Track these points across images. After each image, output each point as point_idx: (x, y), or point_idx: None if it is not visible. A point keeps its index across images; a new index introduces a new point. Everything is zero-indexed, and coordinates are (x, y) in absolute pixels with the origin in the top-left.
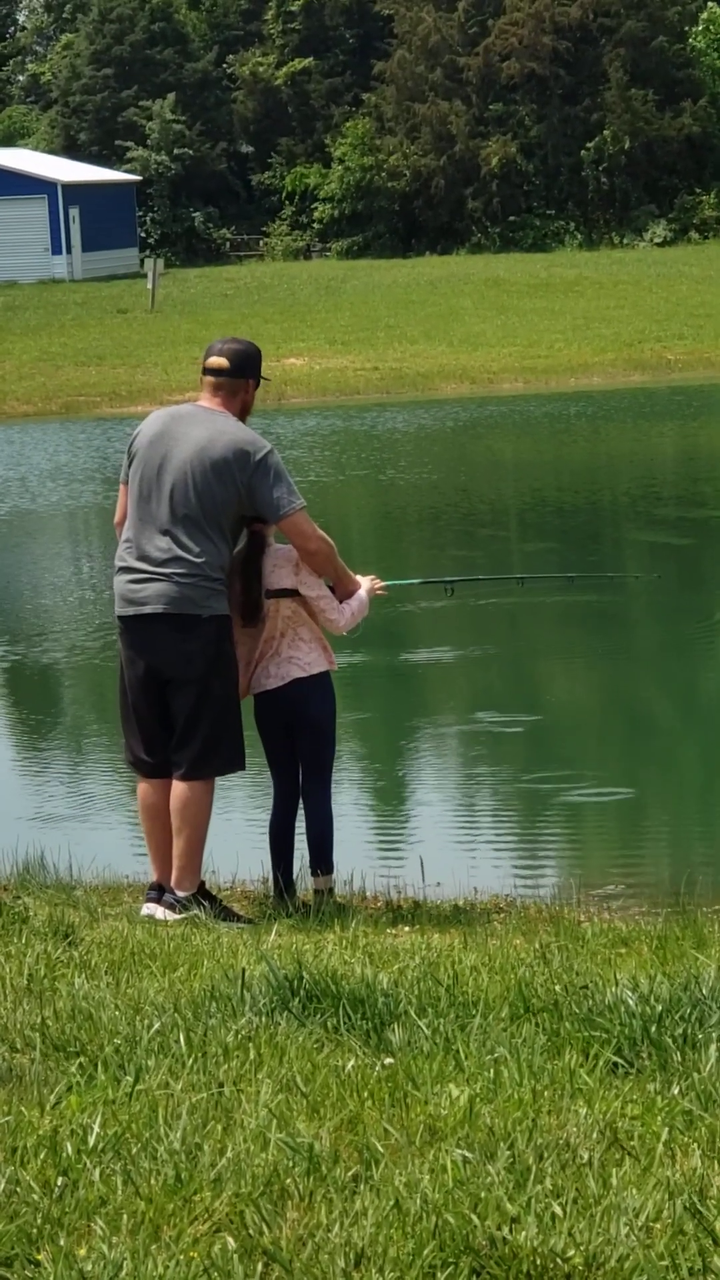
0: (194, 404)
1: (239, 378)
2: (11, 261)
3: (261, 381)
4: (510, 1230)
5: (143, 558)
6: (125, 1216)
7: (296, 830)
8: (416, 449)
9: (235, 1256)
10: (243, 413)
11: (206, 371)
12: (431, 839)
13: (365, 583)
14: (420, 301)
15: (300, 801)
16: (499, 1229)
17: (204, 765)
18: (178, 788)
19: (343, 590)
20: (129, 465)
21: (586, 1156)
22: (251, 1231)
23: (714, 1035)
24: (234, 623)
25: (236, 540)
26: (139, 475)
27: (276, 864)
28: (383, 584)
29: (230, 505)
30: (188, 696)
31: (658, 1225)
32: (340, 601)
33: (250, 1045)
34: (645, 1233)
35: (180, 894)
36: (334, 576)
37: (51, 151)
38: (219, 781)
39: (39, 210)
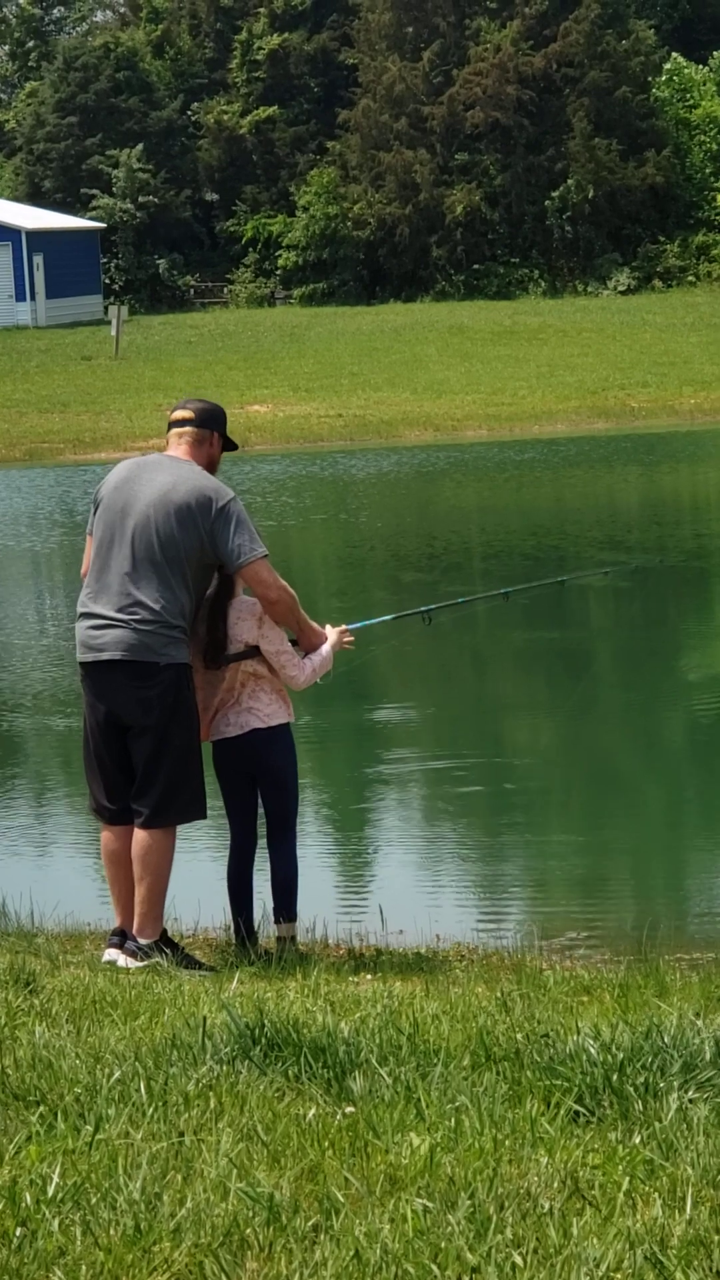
0: (161, 453)
1: (203, 428)
2: None
3: (231, 447)
4: None
5: (103, 604)
6: (84, 1267)
7: (255, 878)
8: (378, 495)
9: None
10: (209, 466)
11: (171, 425)
12: (394, 887)
13: (332, 635)
14: (384, 349)
15: (255, 850)
16: (459, 1279)
17: (164, 813)
18: (139, 835)
19: (306, 643)
20: (95, 514)
21: (547, 1206)
22: None
23: (675, 1084)
24: (195, 667)
25: (202, 590)
26: (103, 521)
27: (237, 912)
28: (350, 637)
29: (192, 552)
30: (146, 744)
31: (618, 1275)
32: (304, 653)
33: (211, 1094)
34: None
35: (142, 941)
36: (295, 628)
37: (16, 199)
38: (181, 829)
39: (3, 257)
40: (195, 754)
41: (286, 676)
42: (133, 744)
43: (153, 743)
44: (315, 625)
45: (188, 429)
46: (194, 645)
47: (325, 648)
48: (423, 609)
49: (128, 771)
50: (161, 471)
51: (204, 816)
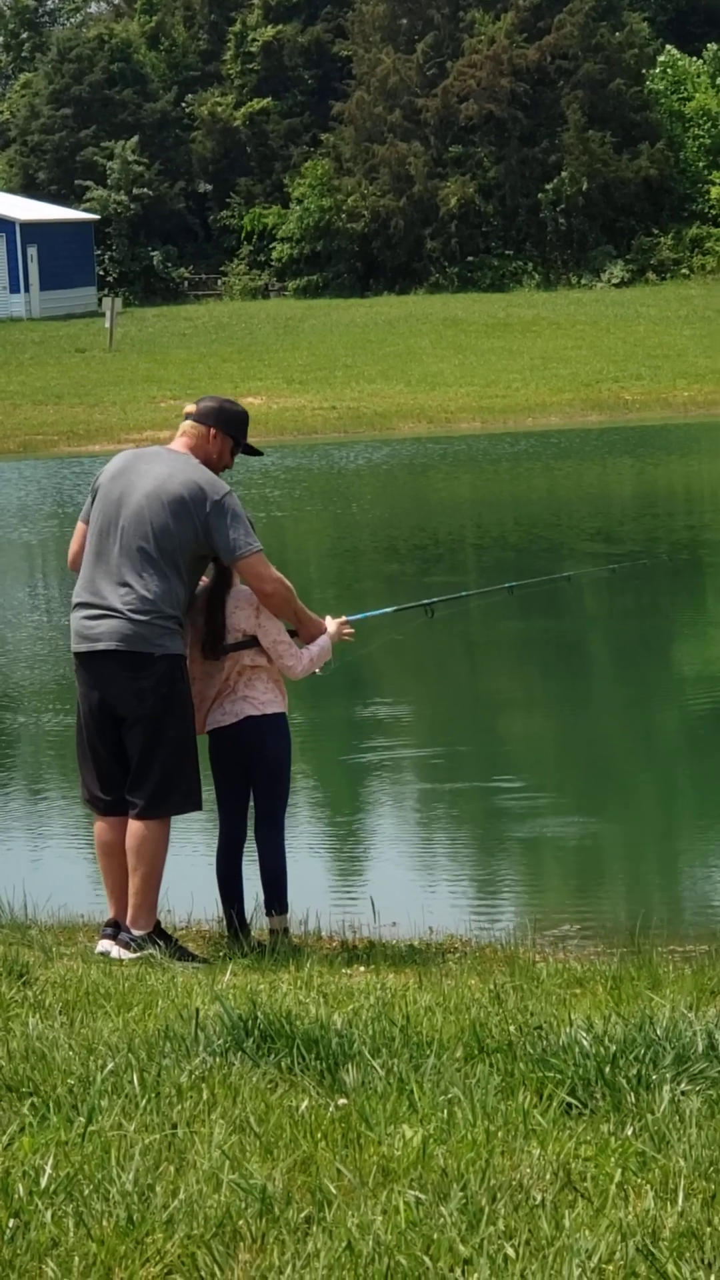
0: (161, 446)
1: (200, 424)
2: None
3: (252, 452)
4: (463, 1272)
5: (98, 594)
6: (77, 1258)
7: (245, 869)
8: (371, 487)
9: None
10: (208, 463)
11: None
12: (387, 879)
13: (331, 626)
14: (378, 341)
15: (245, 842)
16: (451, 1271)
17: (158, 805)
18: (133, 826)
19: (305, 633)
20: (91, 503)
21: (539, 1198)
22: (204, 1274)
23: (667, 1076)
24: (193, 658)
25: (195, 582)
26: (99, 511)
27: (228, 905)
28: (350, 629)
29: (186, 544)
30: (140, 735)
31: (610, 1267)
32: (304, 643)
33: (204, 1086)
34: (598, 1275)
35: (136, 932)
36: (293, 619)
37: (10, 190)
38: (175, 821)
39: None
40: (190, 745)
41: (283, 666)
42: (127, 735)
43: (147, 734)
44: (314, 616)
45: (187, 423)
46: (192, 636)
47: (324, 638)
48: (426, 601)
49: (122, 762)
50: (158, 463)
51: (199, 808)
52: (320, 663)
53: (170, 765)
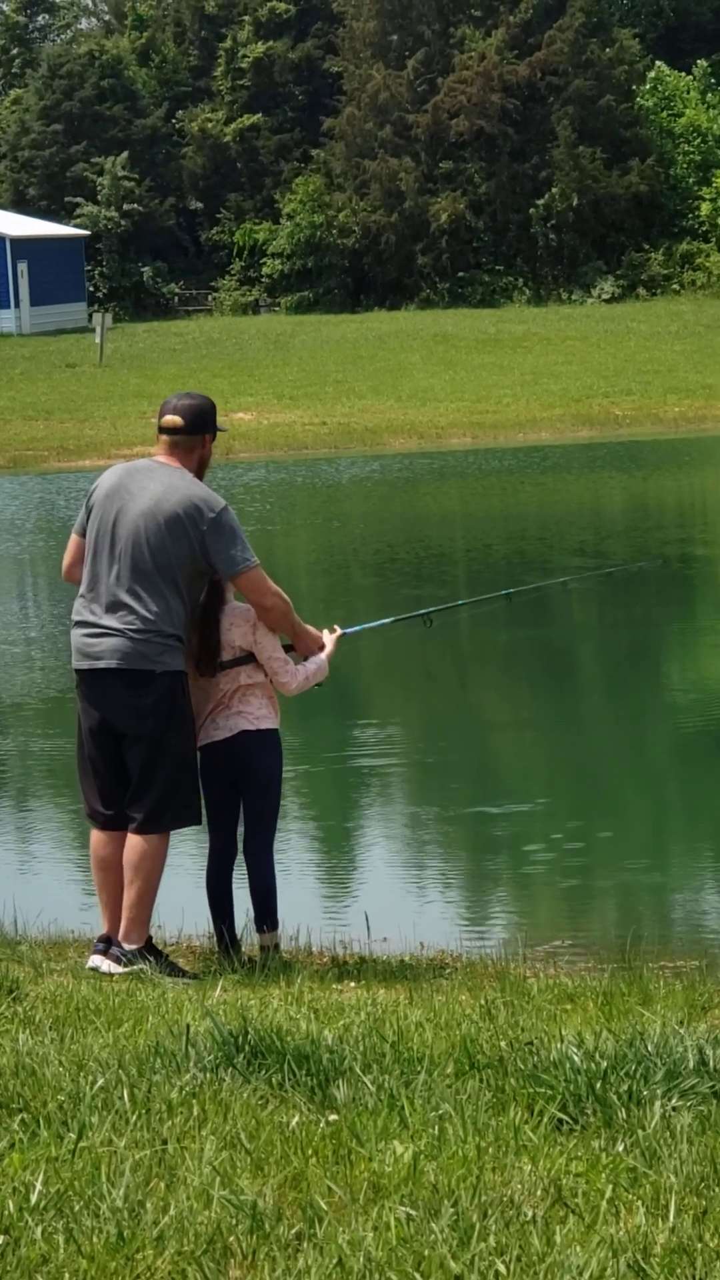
0: (151, 459)
1: (195, 435)
2: None
3: (218, 433)
4: None
5: (98, 612)
6: (67, 1275)
7: (235, 885)
8: (360, 503)
9: None
10: (200, 467)
11: (162, 430)
12: (378, 894)
13: (329, 645)
14: (369, 357)
15: (235, 858)
16: None
17: (158, 819)
18: (132, 840)
19: (303, 648)
20: (85, 517)
21: (530, 1214)
22: None
23: (659, 1092)
24: (189, 674)
25: (195, 597)
26: (95, 529)
27: (219, 920)
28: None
29: (184, 561)
30: (141, 751)
31: None
32: (302, 658)
33: (194, 1102)
34: None
35: (128, 947)
36: (290, 633)
37: (0, 206)
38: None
39: None
40: (190, 760)
41: (279, 683)
42: (128, 751)
43: (149, 750)
44: (312, 630)
45: (179, 437)
46: (186, 652)
47: (322, 655)
48: (423, 611)
49: (122, 777)
50: (152, 480)
51: (198, 822)
52: (317, 680)
53: (171, 780)
